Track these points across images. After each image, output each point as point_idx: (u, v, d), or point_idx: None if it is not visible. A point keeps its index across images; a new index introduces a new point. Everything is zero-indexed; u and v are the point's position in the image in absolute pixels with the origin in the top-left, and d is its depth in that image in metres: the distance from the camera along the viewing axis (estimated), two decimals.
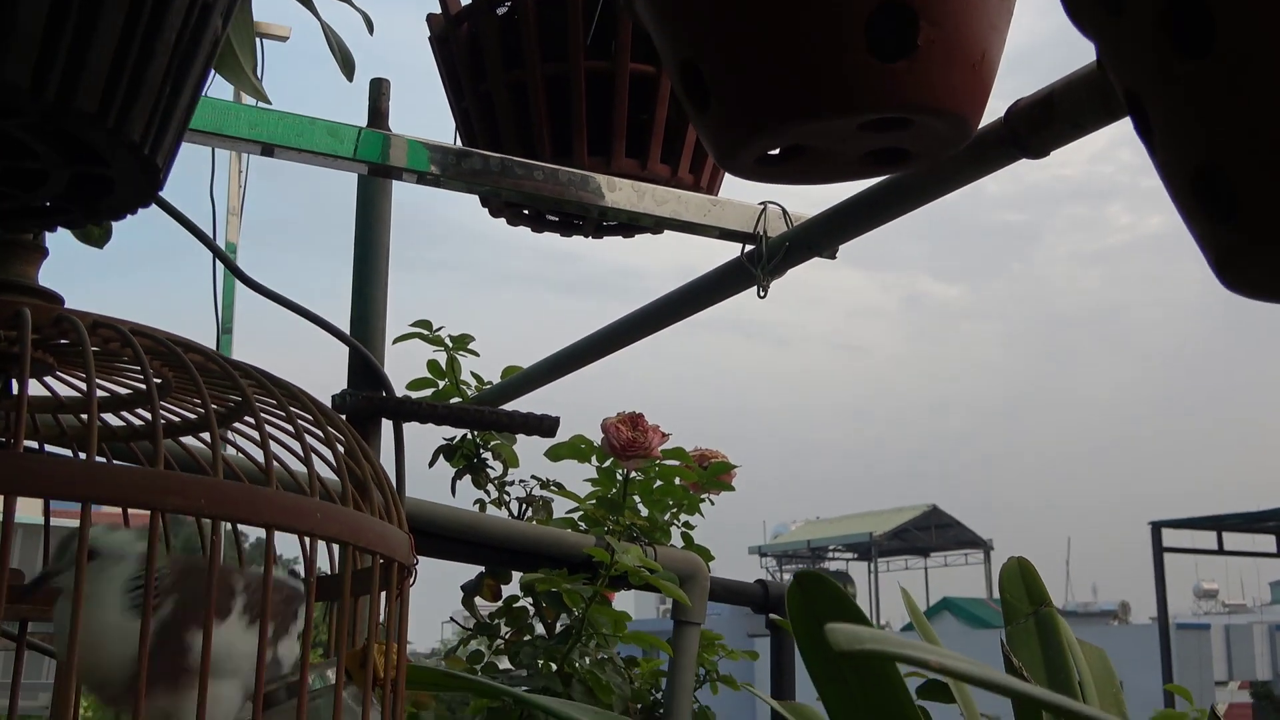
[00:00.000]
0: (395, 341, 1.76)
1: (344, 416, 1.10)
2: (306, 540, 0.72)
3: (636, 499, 1.67)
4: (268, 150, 1.18)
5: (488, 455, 1.83)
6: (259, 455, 0.85)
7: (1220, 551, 14.63)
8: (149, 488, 0.60)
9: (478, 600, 1.80)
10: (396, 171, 1.23)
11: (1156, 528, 13.91)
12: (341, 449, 0.79)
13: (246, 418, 0.80)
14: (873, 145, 0.80)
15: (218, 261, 1.62)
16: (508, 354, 2.04)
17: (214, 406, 0.71)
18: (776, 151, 0.80)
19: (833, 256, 1.22)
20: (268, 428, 0.86)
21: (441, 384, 1.83)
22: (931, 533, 28.18)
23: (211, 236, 1.54)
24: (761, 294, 1.19)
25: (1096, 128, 0.84)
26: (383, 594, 0.81)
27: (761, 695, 1.41)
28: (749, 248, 1.25)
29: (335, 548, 0.83)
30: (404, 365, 1.86)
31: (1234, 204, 0.48)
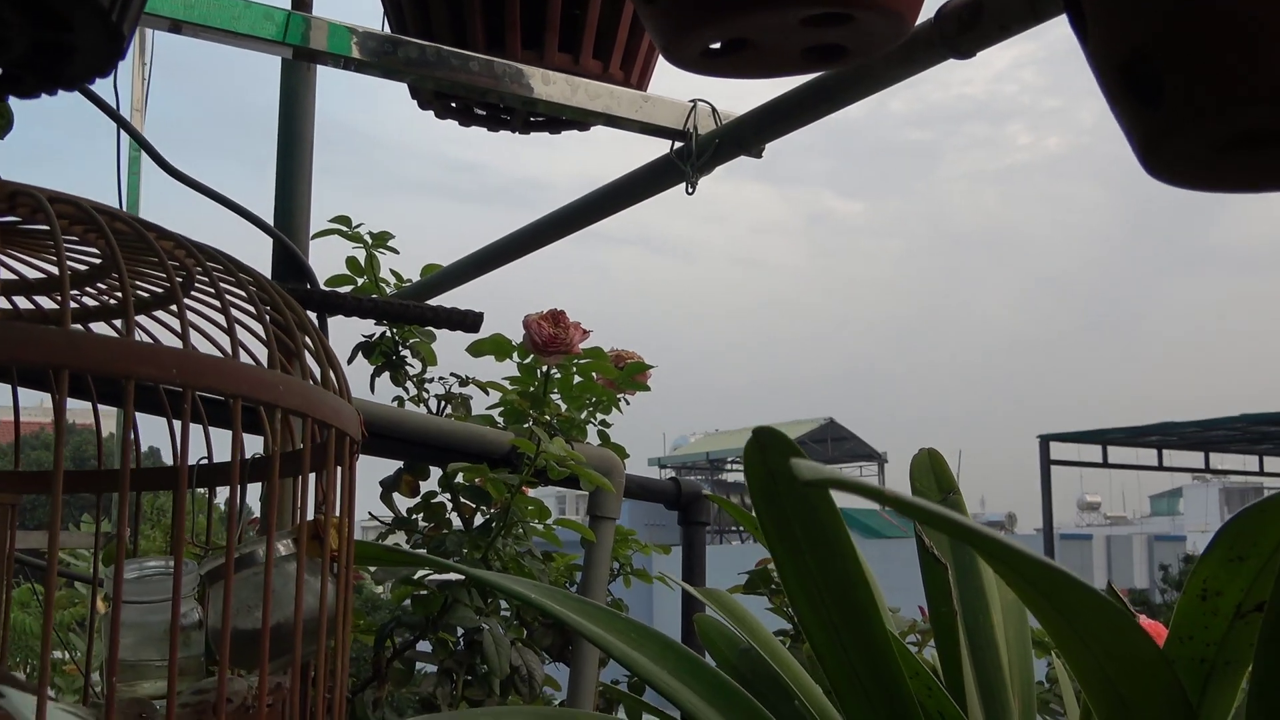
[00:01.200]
0: (314, 237, 1.76)
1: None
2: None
3: (556, 395, 1.70)
4: (181, 28, 1.16)
5: (406, 353, 1.84)
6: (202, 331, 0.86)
7: (1104, 464, 15.17)
8: (123, 357, 0.61)
9: (395, 496, 1.83)
10: (333, 59, 1.22)
11: (1044, 441, 14.37)
12: (293, 324, 0.80)
13: (196, 291, 0.81)
14: (812, 41, 0.83)
15: (122, 160, 1.60)
16: (412, 262, 2.05)
17: (177, 279, 0.71)
18: (719, 45, 0.83)
19: (759, 155, 1.25)
20: (214, 301, 0.87)
21: (360, 281, 1.83)
22: (828, 445, 28.75)
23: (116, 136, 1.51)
24: (690, 190, 1.22)
25: (1023, 29, 0.88)
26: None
27: (674, 580, 1.47)
28: (678, 145, 1.27)
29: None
30: (320, 265, 1.86)
31: (1160, 91, 0.52)
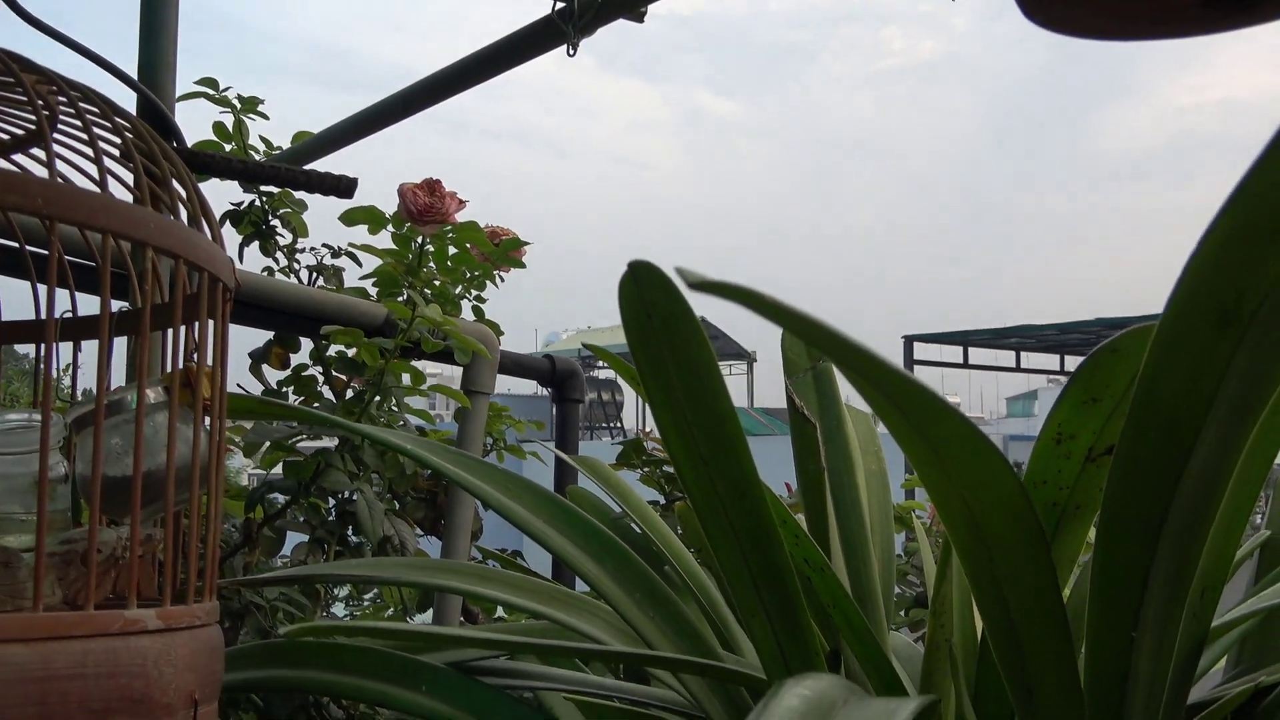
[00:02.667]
0: (180, 100, 1.69)
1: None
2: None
3: (432, 266, 1.68)
4: None
5: (276, 222, 1.80)
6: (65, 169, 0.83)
7: (965, 365, 15.61)
8: None
9: (265, 368, 1.80)
10: None
11: (909, 341, 14.72)
12: (169, 175, 0.78)
13: (67, 130, 0.78)
14: None
15: None
16: (282, 138, 1.99)
17: (44, 113, 0.69)
18: None
19: (640, 20, 1.24)
20: (76, 139, 0.84)
21: (229, 148, 1.78)
22: None
23: None
24: (571, 52, 1.20)
25: None
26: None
27: (548, 447, 1.48)
28: (560, 5, 1.25)
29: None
30: (185, 133, 1.79)
31: None
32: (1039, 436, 0.75)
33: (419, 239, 1.62)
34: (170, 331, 0.82)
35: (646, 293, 0.59)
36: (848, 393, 1.28)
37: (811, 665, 0.75)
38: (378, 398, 1.56)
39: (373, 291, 1.74)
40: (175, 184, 0.86)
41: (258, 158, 1.81)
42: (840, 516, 1.09)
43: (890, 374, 0.53)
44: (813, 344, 0.48)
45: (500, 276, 1.86)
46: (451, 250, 1.64)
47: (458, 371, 1.80)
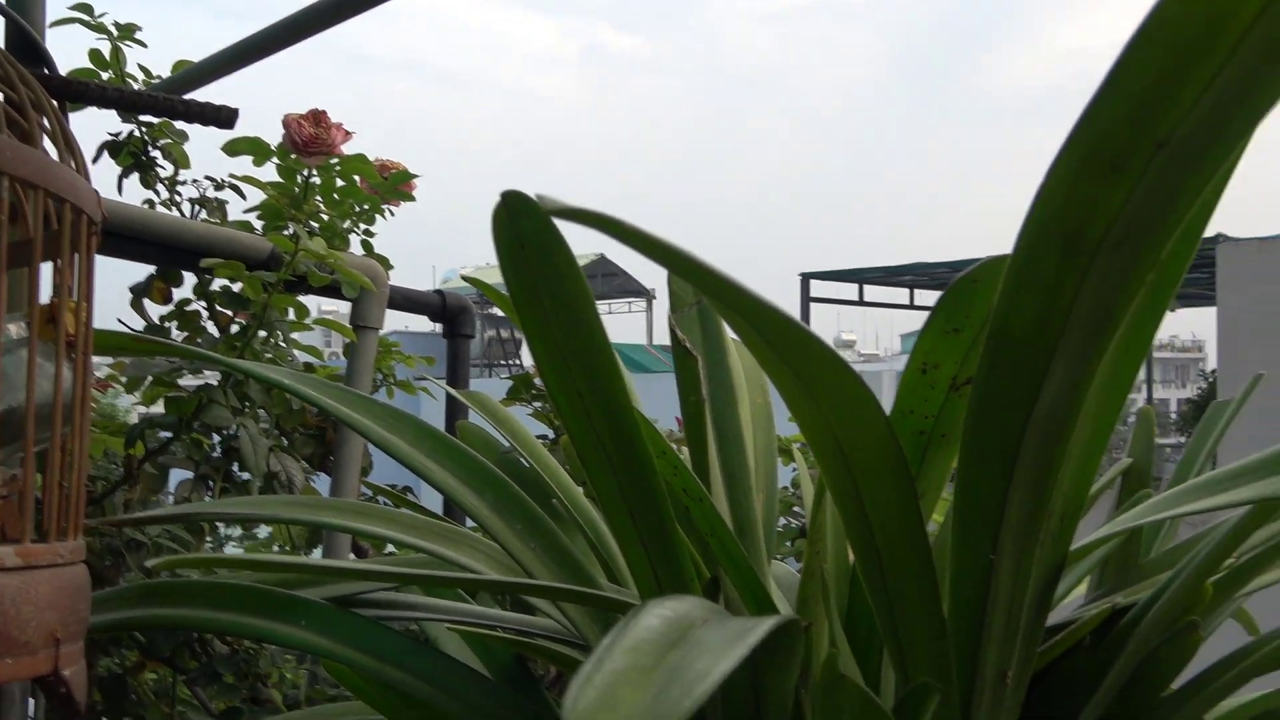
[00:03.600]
0: (52, 26, 1.64)
1: None
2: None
3: (319, 200, 1.66)
4: None
5: (157, 154, 1.76)
6: None
7: (860, 303, 15.85)
8: None
9: (146, 303, 1.76)
10: None
11: (805, 279, 14.88)
12: (28, 102, 0.76)
13: None
14: None
15: None
16: (162, 69, 1.94)
17: None
18: None
19: None
20: None
21: (105, 77, 1.73)
22: (598, 281, 28.99)
23: None
24: None
25: None
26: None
27: (439, 382, 1.48)
28: None
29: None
30: (60, 60, 1.74)
31: None
32: (906, 367, 0.77)
33: (305, 171, 1.59)
34: (42, 266, 0.80)
35: (519, 223, 0.59)
36: None
37: (686, 592, 0.77)
38: (262, 333, 1.55)
39: (258, 225, 1.71)
40: (41, 117, 0.84)
41: (136, 87, 1.77)
42: (722, 448, 1.11)
43: (762, 310, 0.54)
44: (673, 270, 0.49)
45: (390, 210, 1.84)
46: (339, 183, 1.62)
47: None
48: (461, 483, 0.89)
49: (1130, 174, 0.48)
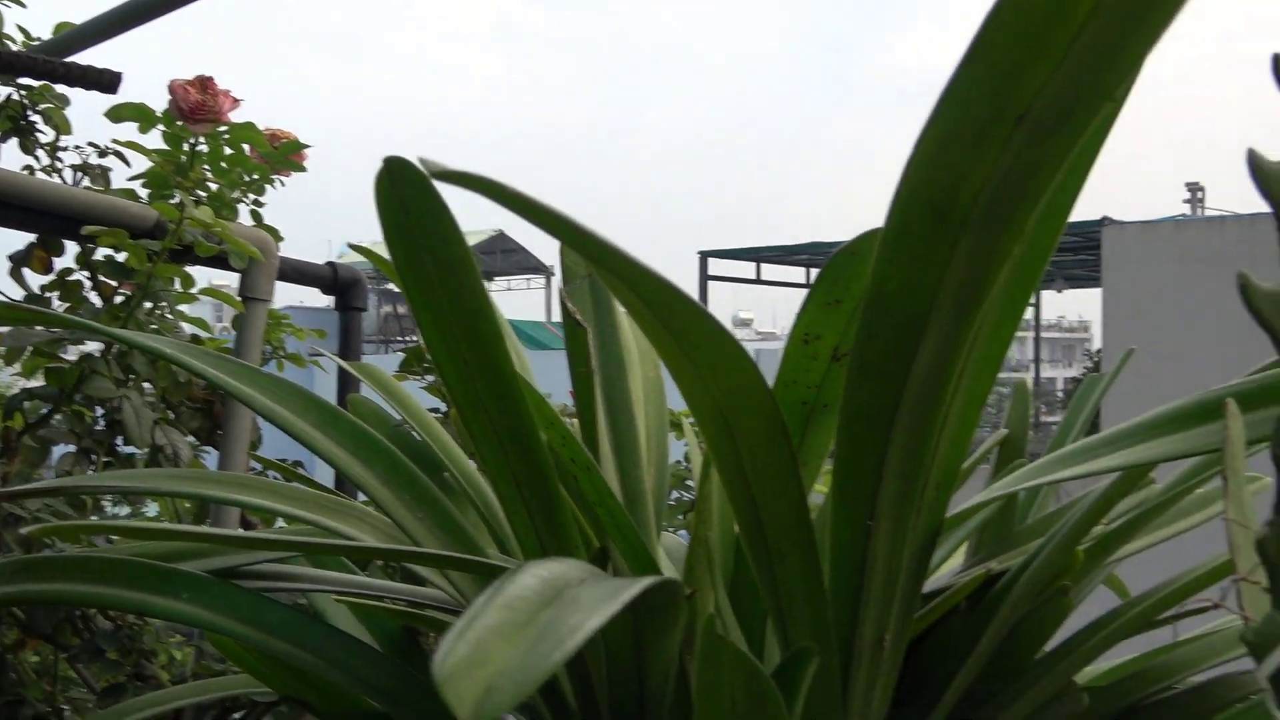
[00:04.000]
0: None
1: None
2: None
3: (206, 169, 1.63)
4: None
5: (37, 118, 1.71)
6: None
7: (758, 281, 15.98)
8: None
9: (26, 272, 1.71)
10: None
11: (704, 257, 14.96)
12: None
13: None
14: None
15: None
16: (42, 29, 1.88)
17: None
18: None
19: None
20: None
21: None
22: (497, 257, 28.81)
23: None
24: None
25: None
26: None
27: (331, 356, 1.46)
28: None
29: None
30: None
31: None
32: (789, 338, 0.79)
33: (191, 139, 1.56)
34: None
35: (402, 189, 0.59)
36: None
37: (569, 552, 0.78)
38: (148, 304, 1.52)
39: (143, 194, 1.67)
40: None
41: (14, 49, 1.71)
42: (612, 419, 1.12)
43: (643, 276, 0.55)
44: (557, 236, 0.50)
45: (280, 181, 1.81)
46: (227, 151, 1.59)
47: None
48: (349, 453, 0.89)
49: (993, 145, 0.49)
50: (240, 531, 0.93)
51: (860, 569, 0.78)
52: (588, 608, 0.41)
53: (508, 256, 29.18)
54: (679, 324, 0.58)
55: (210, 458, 1.76)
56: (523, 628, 0.39)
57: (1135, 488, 0.97)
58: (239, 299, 1.72)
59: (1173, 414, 0.81)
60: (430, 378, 1.65)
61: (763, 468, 0.70)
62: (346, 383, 1.86)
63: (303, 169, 1.82)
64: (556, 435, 0.89)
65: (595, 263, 0.53)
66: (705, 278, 14.99)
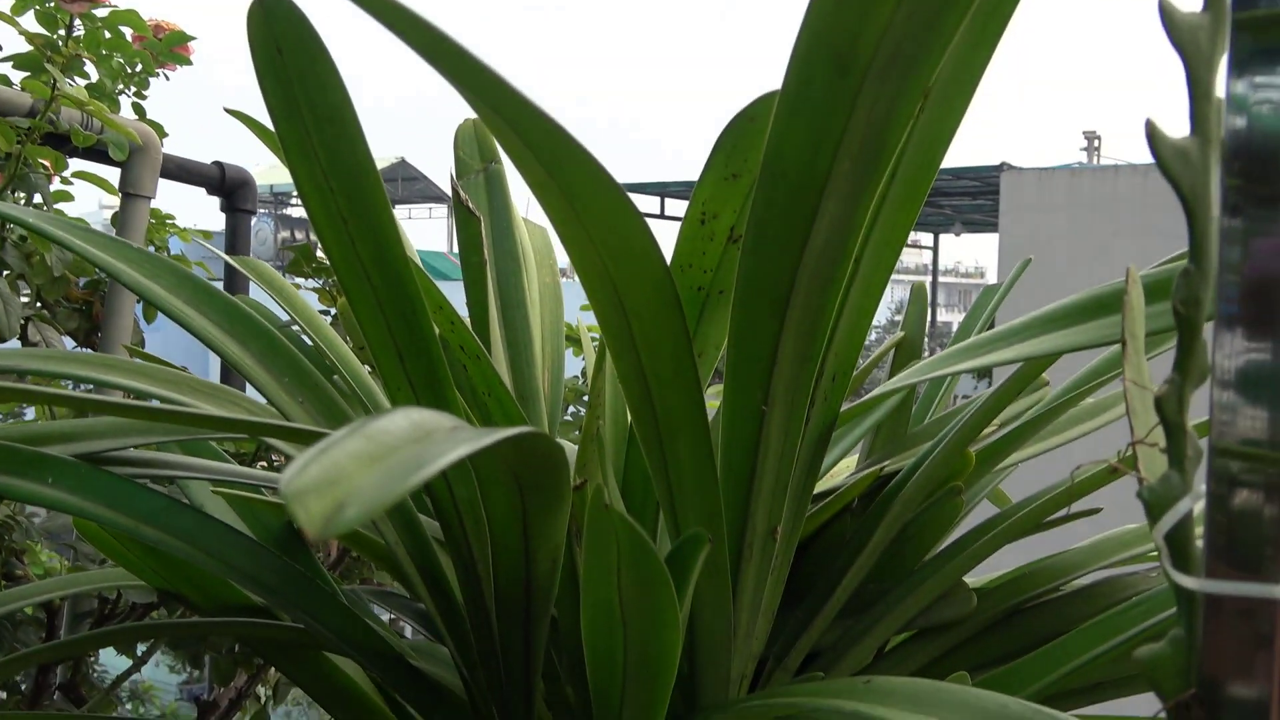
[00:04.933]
0: None
1: None
2: None
3: (85, 59, 1.55)
4: None
5: None
6: None
7: (661, 216, 15.94)
8: None
9: None
10: None
11: None
12: None
13: None
14: None
15: None
16: None
17: None
18: None
19: None
20: None
21: None
22: (398, 185, 28.32)
23: None
24: None
25: None
26: None
27: (216, 251, 1.41)
28: None
29: None
30: None
31: None
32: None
33: (68, 20, 1.48)
34: None
35: (276, 26, 0.55)
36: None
37: None
38: (20, 194, 1.44)
39: (15, 78, 1.59)
40: None
41: None
42: (505, 315, 1.09)
43: (519, 103, 0.52)
44: (434, 63, 0.46)
45: (165, 74, 1.74)
46: (106, 35, 1.51)
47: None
48: (225, 333, 0.85)
49: None
50: (123, 419, 0.88)
51: (753, 457, 0.76)
52: (454, 445, 0.38)
53: (409, 185, 28.69)
54: (564, 171, 0.54)
55: None
56: (383, 458, 0.36)
57: (1029, 390, 0.97)
58: (121, 194, 1.66)
59: (1069, 308, 0.81)
60: (321, 280, 1.60)
61: (654, 342, 0.67)
62: (234, 284, 1.80)
63: (188, 62, 1.74)
64: (444, 319, 0.86)
65: (477, 96, 0.50)
66: None
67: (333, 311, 1.65)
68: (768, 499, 0.81)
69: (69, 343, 1.67)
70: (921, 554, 0.97)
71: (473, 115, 1.25)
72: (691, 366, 0.69)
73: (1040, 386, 0.99)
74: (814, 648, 0.96)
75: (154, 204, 1.77)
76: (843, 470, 1.08)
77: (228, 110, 0.90)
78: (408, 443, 0.38)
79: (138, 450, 0.95)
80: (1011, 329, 0.84)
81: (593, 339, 2.09)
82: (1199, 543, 0.45)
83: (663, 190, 15.52)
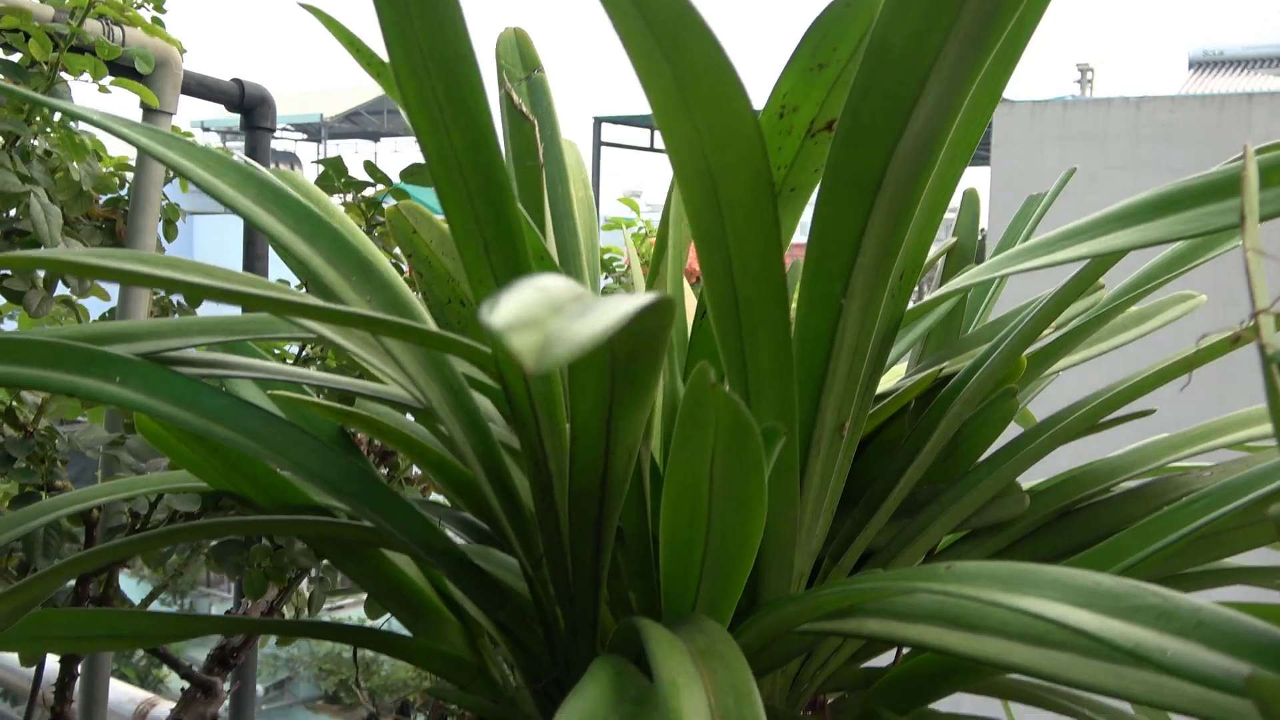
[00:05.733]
0: None
1: None
2: None
3: None
4: None
5: None
6: None
7: (651, 149, 15.85)
8: None
9: None
10: None
11: (598, 123, 14.77)
12: None
13: None
14: None
15: None
16: None
17: None
18: None
19: None
20: None
21: None
22: (384, 117, 28.09)
23: None
24: None
25: None
26: None
27: (241, 157, 1.40)
28: None
29: None
30: None
31: None
32: (763, 111, 0.76)
33: None
34: None
35: None
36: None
37: None
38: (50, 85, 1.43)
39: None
40: None
41: None
42: (555, 223, 1.09)
43: None
44: None
45: None
46: None
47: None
48: (291, 230, 0.84)
49: None
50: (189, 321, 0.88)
51: (829, 348, 0.77)
52: (614, 307, 0.39)
53: (395, 117, 28.46)
54: (685, 57, 0.54)
55: (111, 288, 1.69)
56: (562, 306, 0.36)
57: (1089, 290, 0.97)
58: (143, 111, 1.64)
59: (1137, 206, 0.81)
60: (349, 196, 1.59)
61: (744, 234, 0.67)
62: None
63: None
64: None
65: None
66: (599, 143, 14.82)
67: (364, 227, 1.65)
68: (839, 395, 0.81)
69: None
70: (975, 455, 0.98)
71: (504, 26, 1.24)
72: (780, 259, 0.69)
73: (1097, 289, 0.99)
74: (868, 548, 0.97)
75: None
76: (893, 376, 1.08)
77: (302, 4, 0.89)
78: (572, 298, 0.39)
79: (196, 352, 0.95)
80: (1077, 228, 0.84)
81: (615, 261, 2.09)
82: None
83: (651, 123, 15.41)
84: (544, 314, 0.34)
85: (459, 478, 0.99)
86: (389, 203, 1.60)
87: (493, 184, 0.68)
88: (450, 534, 1.21)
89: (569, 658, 0.91)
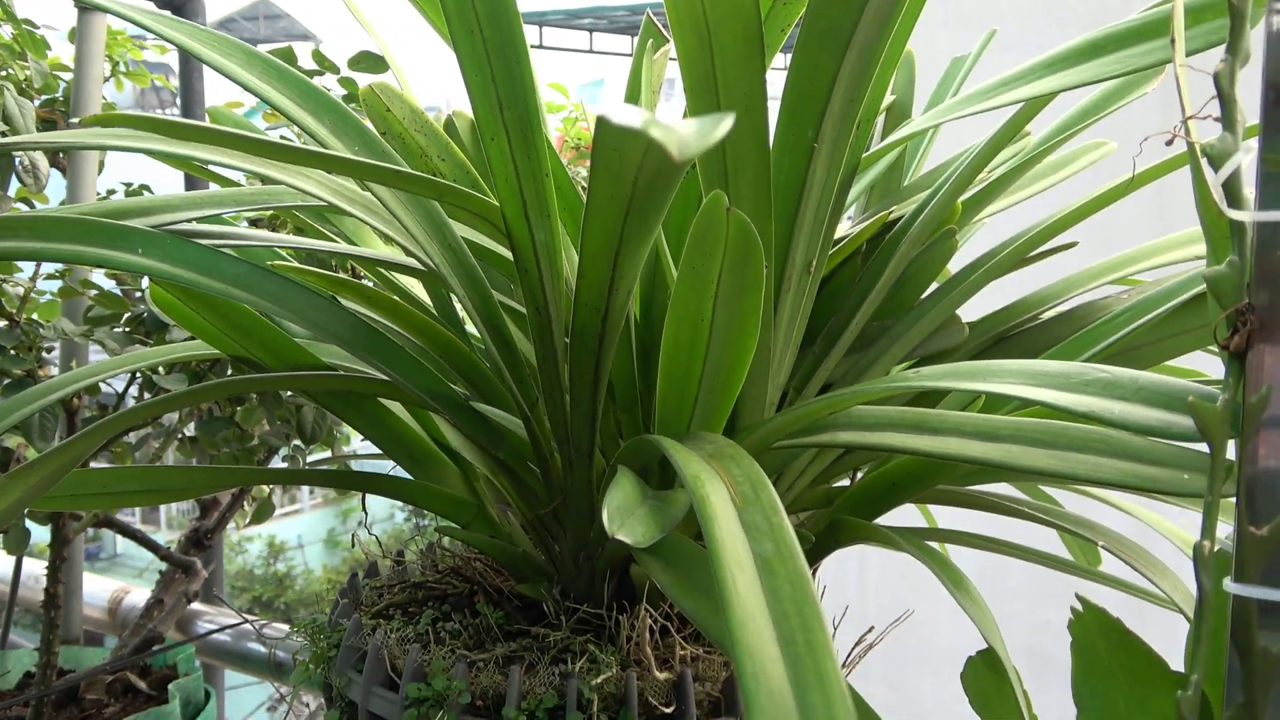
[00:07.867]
0: None
1: None
2: None
3: None
4: None
5: None
6: None
7: (540, 46, 15.65)
8: None
9: None
10: None
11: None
12: None
13: None
14: None
15: None
16: None
17: None
18: None
19: None
20: None
21: None
22: (260, 23, 27.27)
23: None
24: None
25: None
26: None
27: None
28: None
29: None
30: None
31: None
32: None
33: None
34: None
35: None
36: None
37: (542, 187, 0.83)
38: None
39: None
40: None
41: None
42: None
43: None
44: None
45: None
46: None
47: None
48: (294, 102, 0.91)
49: None
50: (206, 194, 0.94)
51: (800, 193, 0.86)
52: (701, 120, 0.47)
53: (272, 23, 27.66)
54: None
55: (56, 186, 1.72)
56: (662, 121, 0.45)
57: (1017, 137, 1.07)
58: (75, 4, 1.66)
59: (1061, 54, 0.90)
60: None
61: (733, 83, 0.76)
62: (190, 85, 1.81)
63: None
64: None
65: None
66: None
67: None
68: (808, 234, 0.91)
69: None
70: (919, 292, 1.09)
71: None
72: (763, 105, 0.78)
73: (1024, 137, 1.09)
74: (826, 380, 1.08)
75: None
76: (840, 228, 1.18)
77: None
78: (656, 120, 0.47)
79: (202, 224, 1.01)
80: (1009, 76, 0.94)
81: None
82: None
83: (541, 20, 15.23)
84: (662, 121, 0.42)
85: (442, 339, 1.07)
86: (338, 93, 1.65)
87: (510, 43, 0.75)
88: None
89: (565, 488, 1.00)
